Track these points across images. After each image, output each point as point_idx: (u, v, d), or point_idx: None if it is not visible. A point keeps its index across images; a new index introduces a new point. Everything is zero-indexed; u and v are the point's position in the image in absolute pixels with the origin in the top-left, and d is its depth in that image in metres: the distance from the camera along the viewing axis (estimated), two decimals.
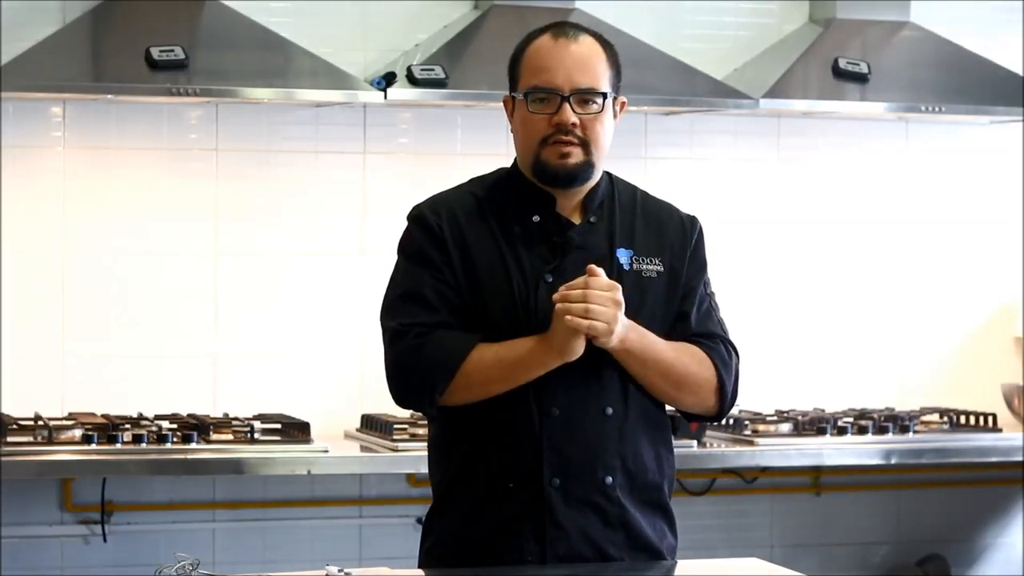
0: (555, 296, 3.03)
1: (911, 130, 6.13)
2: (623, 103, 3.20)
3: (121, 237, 5.42)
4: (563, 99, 3.09)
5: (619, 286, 3.04)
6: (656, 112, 5.79)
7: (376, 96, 5.21)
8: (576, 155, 3.11)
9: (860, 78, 5.64)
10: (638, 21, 5.70)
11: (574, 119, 3.09)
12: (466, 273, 3.13)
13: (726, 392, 3.20)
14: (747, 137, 5.97)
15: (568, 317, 3.00)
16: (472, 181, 3.26)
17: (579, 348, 3.04)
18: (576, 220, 3.18)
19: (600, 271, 3.04)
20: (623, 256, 3.16)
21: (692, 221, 3.28)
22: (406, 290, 3.16)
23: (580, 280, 3.03)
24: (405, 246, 3.21)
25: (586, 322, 3.00)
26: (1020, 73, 5.91)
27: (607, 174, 3.24)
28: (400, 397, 3.19)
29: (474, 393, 3.10)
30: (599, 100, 3.11)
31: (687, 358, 3.16)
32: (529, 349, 3.07)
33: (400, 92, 5.23)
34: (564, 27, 3.17)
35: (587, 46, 3.14)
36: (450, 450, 3.19)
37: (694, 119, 5.89)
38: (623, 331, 3.06)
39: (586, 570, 3.09)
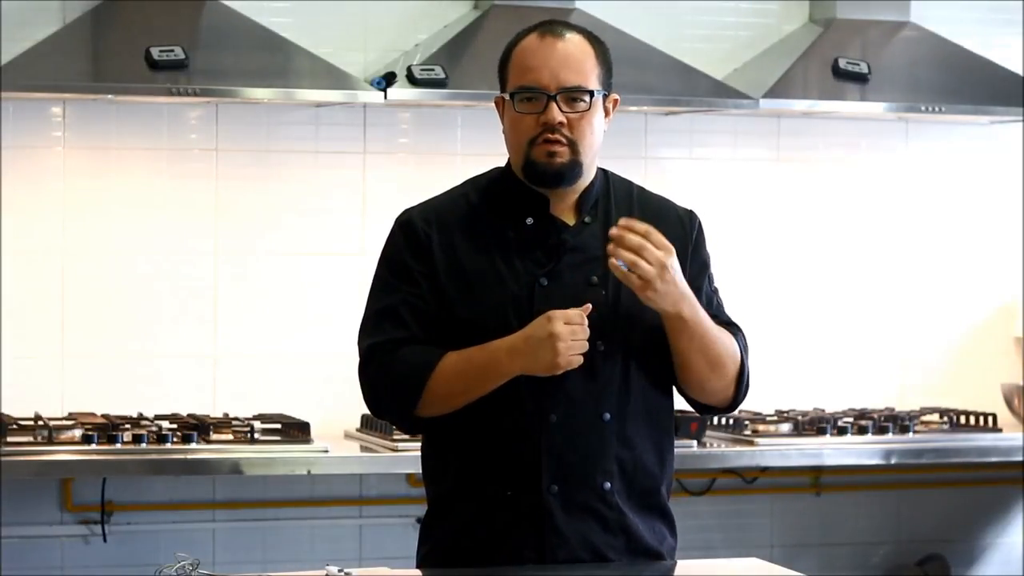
0: (613, 232, 2.98)
1: (911, 130, 6.13)
2: (615, 100, 3.16)
3: (121, 237, 5.42)
4: (550, 98, 3.06)
5: (672, 250, 3.00)
6: (656, 112, 5.78)
7: (376, 96, 5.21)
8: (564, 155, 3.07)
9: (860, 78, 5.64)
10: (638, 21, 5.70)
11: (561, 118, 3.06)
12: (456, 280, 3.10)
13: (744, 378, 3.17)
14: (747, 137, 5.97)
15: (615, 260, 2.95)
16: (466, 183, 3.24)
17: (568, 365, 2.98)
18: (570, 221, 3.15)
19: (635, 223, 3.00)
20: None
21: (691, 216, 3.24)
22: (380, 308, 3.14)
23: (641, 227, 2.98)
24: (387, 254, 3.18)
25: (640, 261, 2.94)
26: (1020, 73, 5.91)
27: (603, 171, 3.21)
28: (376, 415, 3.22)
29: (441, 406, 3.08)
30: (586, 98, 3.07)
31: (725, 337, 3.13)
32: (487, 360, 3.03)
33: (400, 92, 5.23)
34: (552, 25, 3.12)
35: (574, 44, 3.10)
36: (447, 458, 3.17)
37: (694, 119, 5.89)
38: (680, 299, 3.01)
39: (585, 570, 3.08)
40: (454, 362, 3.05)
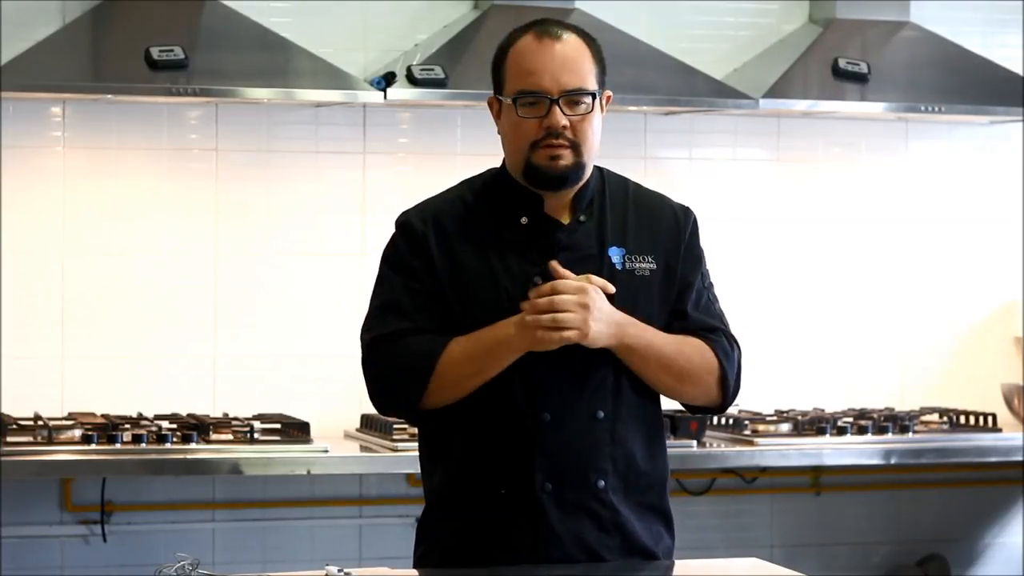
0: (523, 304, 3.01)
1: (911, 130, 6.13)
2: (608, 96, 3.16)
3: (121, 237, 5.43)
4: (552, 102, 3.06)
5: (587, 287, 3.01)
6: (656, 112, 5.78)
7: (376, 96, 5.21)
8: (567, 157, 3.07)
9: (860, 78, 5.64)
10: (638, 21, 5.71)
11: (564, 121, 3.06)
12: (453, 279, 3.11)
13: (728, 382, 3.17)
14: (747, 137, 5.97)
15: (539, 332, 2.98)
16: (461, 184, 3.24)
17: (556, 342, 3.00)
18: (565, 220, 3.14)
19: (559, 268, 3.03)
20: (615, 255, 3.13)
21: (686, 212, 3.24)
22: (383, 301, 3.15)
23: (547, 286, 3.01)
24: (388, 255, 3.19)
25: (556, 335, 2.99)
26: (1020, 73, 5.92)
27: (598, 169, 3.21)
28: (381, 407, 3.20)
29: (451, 393, 3.08)
30: (588, 100, 3.07)
31: (688, 350, 3.14)
32: (496, 339, 3.04)
33: (400, 92, 5.23)
34: (547, 25, 3.11)
35: (572, 45, 3.09)
36: (440, 456, 3.17)
37: (694, 119, 5.89)
38: (616, 329, 3.04)
39: (583, 570, 3.08)
40: (463, 345, 3.06)
